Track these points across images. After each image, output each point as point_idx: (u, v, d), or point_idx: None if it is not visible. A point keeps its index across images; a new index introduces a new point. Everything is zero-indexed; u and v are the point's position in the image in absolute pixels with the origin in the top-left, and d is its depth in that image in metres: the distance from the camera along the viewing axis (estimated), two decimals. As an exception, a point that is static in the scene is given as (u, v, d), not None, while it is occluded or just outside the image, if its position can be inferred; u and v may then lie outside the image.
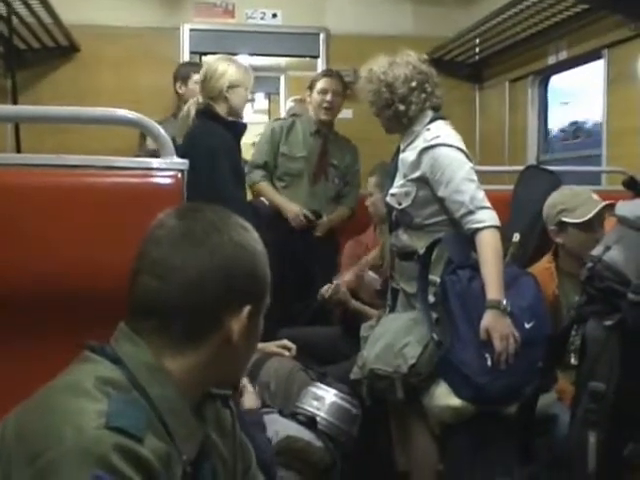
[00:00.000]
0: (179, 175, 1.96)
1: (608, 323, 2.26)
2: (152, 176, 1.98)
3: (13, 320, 1.93)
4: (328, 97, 4.59)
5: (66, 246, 1.93)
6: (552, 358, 2.75)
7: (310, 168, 4.67)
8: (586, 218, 3.25)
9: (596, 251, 2.34)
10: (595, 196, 3.34)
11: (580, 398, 2.36)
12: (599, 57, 4.57)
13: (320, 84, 4.62)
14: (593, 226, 3.24)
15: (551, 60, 5.15)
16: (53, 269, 1.92)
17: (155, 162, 1.99)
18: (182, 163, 1.98)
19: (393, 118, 3.22)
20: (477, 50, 6.01)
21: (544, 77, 5.53)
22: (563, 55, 4.98)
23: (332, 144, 4.74)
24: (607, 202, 3.22)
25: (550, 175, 3.89)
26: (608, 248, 2.31)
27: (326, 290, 4.03)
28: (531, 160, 5.42)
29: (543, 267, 3.36)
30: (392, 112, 3.20)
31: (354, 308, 4.04)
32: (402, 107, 3.17)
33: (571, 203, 3.33)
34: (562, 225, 3.34)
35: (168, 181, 1.96)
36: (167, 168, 1.96)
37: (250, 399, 2.73)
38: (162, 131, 2.00)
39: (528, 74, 5.54)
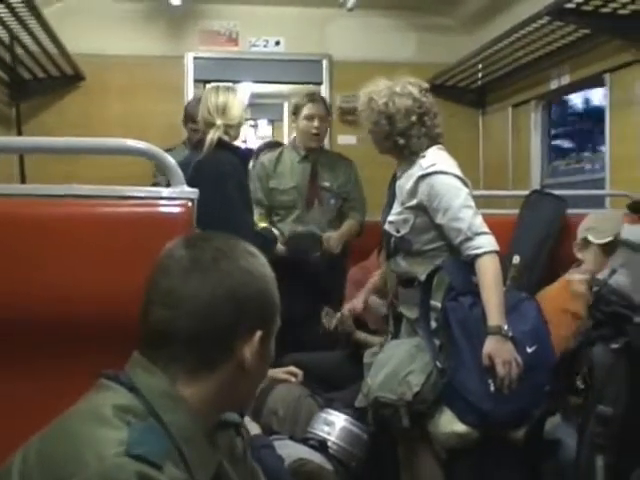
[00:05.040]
0: (189, 204, 1.97)
1: (615, 347, 2.27)
2: (162, 205, 1.99)
3: (22, 348, 1.93)
4: (315, 123, 4.56)
5: (76, 276, 1.93)
6: (560, 381, 2.75)
7: (302, 196, 4.62)
8: (605, 240, 3.28)
9: (602, 275, 2.36)
10: (629, 226, 3.25)
11: (587, 422, 2.36)
12: (601, 81, 4.59)
13: (306, 110, 4.56)
14: (612, 251, 3.21)
15: (553, 85, 5.16)
16: (63, 298, 1.92)
17: (165, 191, 2.00)
18: (192, 192, 1.98)
19: (392, 149, 3.24)
20: (480, 75, 6.03)
21: (547, 102, 5.56)
22: (566, 79, 4.99)
23: (322, 166, 4.68)
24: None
25: (556, 199, 3.91)
26: (614, 272, 2.32)
27: (329, 321, 4.03)
28: (535, 184, 5.43)
29: (562, 287, 3.37)
30: (391, 144, 3.20)
31: (358, 339, 4.04)
32: (402, 141, 3.16)
33: (601, 224, 3.38)
34: (586, 242, 3.37)
35: (178, 210, 1.96)
36: (177, 197, 1.97)
37: (252, 427, 2.73)
38: (171, 160, 2.00)
39: (531, 99, 5.57)
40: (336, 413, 3.11)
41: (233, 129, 3.78)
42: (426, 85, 3.29)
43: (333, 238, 4.53)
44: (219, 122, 3.73)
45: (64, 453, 1.22)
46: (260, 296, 1.43)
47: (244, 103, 3.88)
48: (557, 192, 4.09)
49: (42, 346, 1.92)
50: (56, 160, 5.21)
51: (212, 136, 3.72)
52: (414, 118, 3.16)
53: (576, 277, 3.28)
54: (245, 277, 1.41)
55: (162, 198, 1.99)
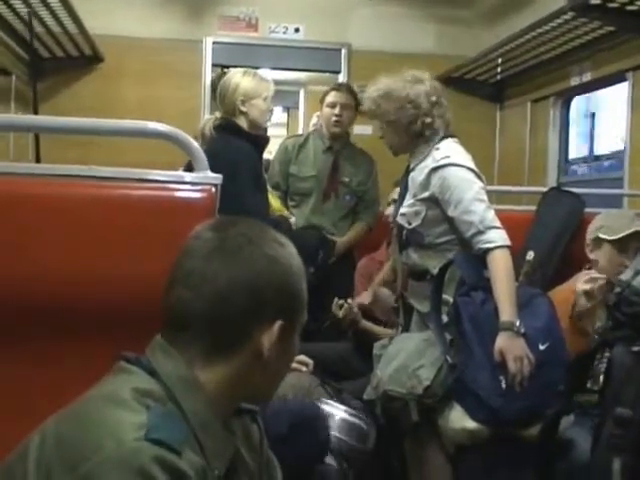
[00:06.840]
0: (212, 189, 1.95)
1: (636, 349, 2.25)
2: (185, 190, 1.98)
3: (42, 330, 1.92)
4: (336, 110, 4.60)
5: (95, 258, 1.91)
6: (574, 381, 2.73)
7: (320, 186, 4.64)
8: (618, 236, 3.23)
9: (625, 276, 2.34)
10: None
11: (605, 423, 2.34)
12: (623, 79, 4.55)
13: (329, 98, 4.64)
14: (626, 248, 3.21)
15: (574, 81, 5.13)
16: (84, 281, 1.91)
17: (188, 176, 1.99)
18: (215, 177, 1.97)
19: (416, 134, 3.21)
20: (499, 70, 6.00)
21: (566, 98, 5.52)
22: (587, 77, 4.96)
23: (345, 160, 4.70)
24: None
25: (573, 197, 3.89)
26: (638, 273, 2.30)
27: (338, 308, 4.02)
28: (551, 181, 5.41)
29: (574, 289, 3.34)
30: (419, 126, 3.16)
31: (364, 328, 4.03)
32: (428, 119, 3.14)
33: (612, 221, 3.32)
34: (598, 241, 3.32)
35: (201, 195, 1.95)
36: (200, 182, 1.96)
37: None
38: (195, 144, 1.99)
39: (550, 95, 5.53)
40: (336, 405, 3.08)
41: (237, 114, 3.73)
42: (428, 73, 3.27)
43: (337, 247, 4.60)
44: (242, 108, 3.70)
45: (82, 436, 1.21)
46: (282, 286, 1.41)
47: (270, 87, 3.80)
48: (574, 190, 4.07)
49: (58, 330, 1.90)
50: (68, 143, 5.13)
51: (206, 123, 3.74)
52: (434, 98, 3.15)
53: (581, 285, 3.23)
54: (268, 265, 1.39)
55: (185, 183, 1.97)
